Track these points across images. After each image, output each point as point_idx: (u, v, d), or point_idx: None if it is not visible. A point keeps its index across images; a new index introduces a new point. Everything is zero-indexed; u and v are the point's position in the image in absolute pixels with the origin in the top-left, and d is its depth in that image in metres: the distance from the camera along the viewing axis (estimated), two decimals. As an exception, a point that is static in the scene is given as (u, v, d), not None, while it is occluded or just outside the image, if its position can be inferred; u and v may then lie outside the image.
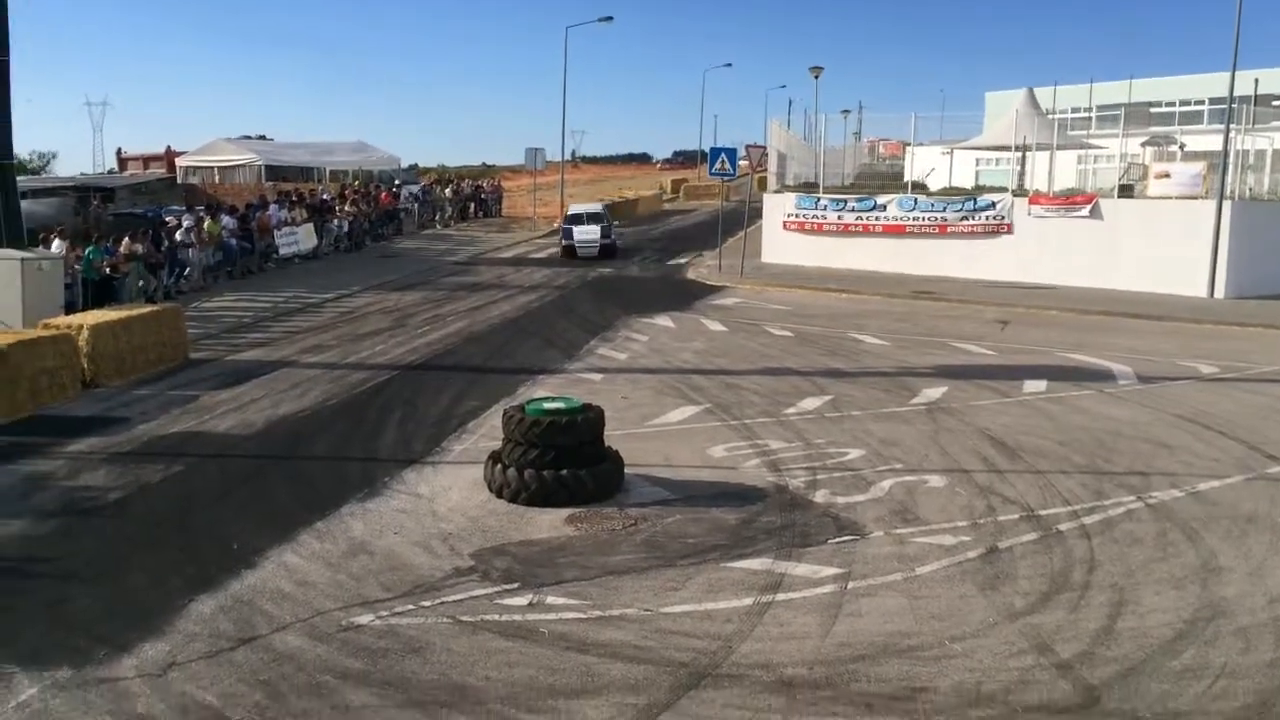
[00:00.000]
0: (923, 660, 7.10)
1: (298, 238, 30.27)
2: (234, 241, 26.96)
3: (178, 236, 24.57)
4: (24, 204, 19.20)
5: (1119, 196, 27.59)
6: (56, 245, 20.02)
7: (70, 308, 18.03)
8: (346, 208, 34.99)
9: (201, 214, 27.14)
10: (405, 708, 6.43)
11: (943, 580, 8.45)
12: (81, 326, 15.27)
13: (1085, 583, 8.37)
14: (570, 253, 33.06)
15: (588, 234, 33.07)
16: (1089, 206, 27.15)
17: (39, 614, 7.81)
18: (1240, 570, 8.66)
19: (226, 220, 27.26)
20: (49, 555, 8.99)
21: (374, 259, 32.26)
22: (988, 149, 35.91)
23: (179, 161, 46.93)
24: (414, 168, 56.43)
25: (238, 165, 45.53)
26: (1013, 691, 6.69)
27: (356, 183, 43.68)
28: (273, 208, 30.68)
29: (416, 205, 41.70)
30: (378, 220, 37.09)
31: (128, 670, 6.89)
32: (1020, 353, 18.56)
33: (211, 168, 45.84)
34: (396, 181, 46.23)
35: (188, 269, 24.71)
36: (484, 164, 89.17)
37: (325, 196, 36.66)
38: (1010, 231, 28.19)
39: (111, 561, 8.83)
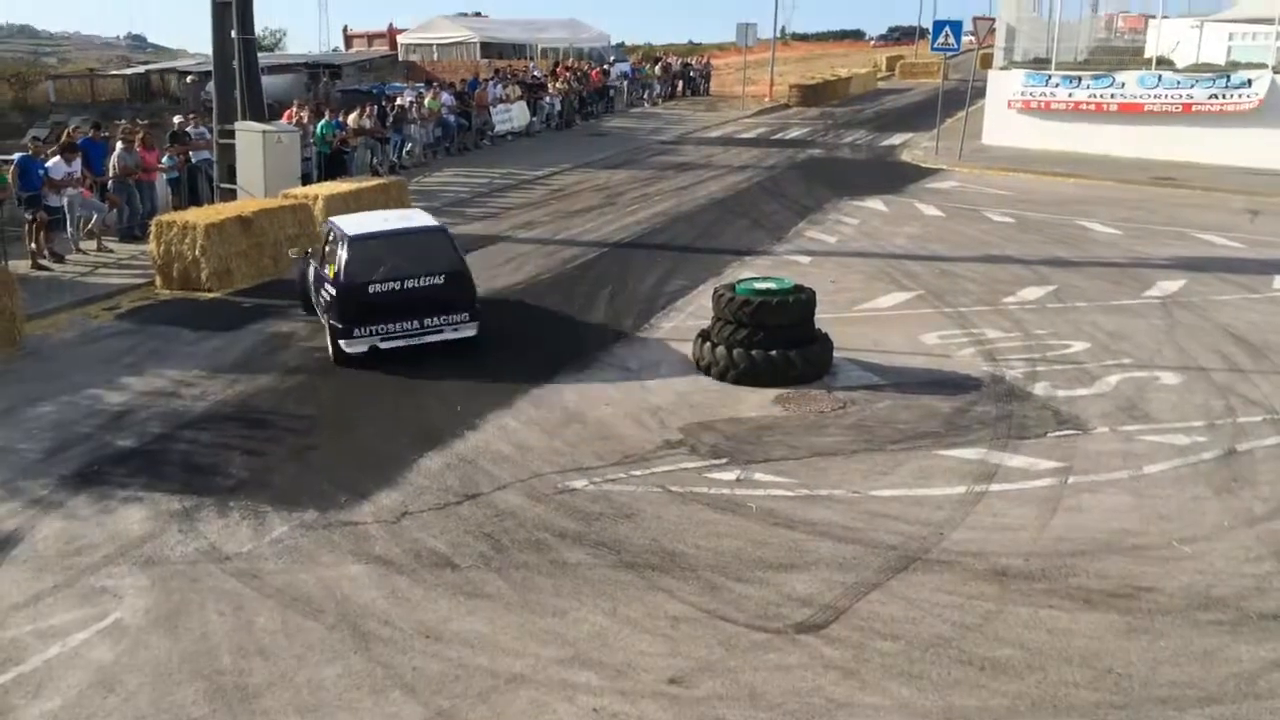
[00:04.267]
0: (1148, 560, 6.80)
1: (512, 115, 30.81)
2: (452, 118, 27.72)
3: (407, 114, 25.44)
4: (262, 79, 20.16)
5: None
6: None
7: (305, 179, 19.12)
8: (558, 85, 35.26)
9: (422, 90, 27.94)
10: (619, 568, 6.70)
11: (1173, 480, 8.02)
12: (317, 197, 16.19)
13: (1336, 493, 7.76)
14: None
15: None
16: (1365, 85, 24.27)
17: (286, 461, 8.52)
18: None
19: (445, 97, 28.02)
20: (293, 409, 9.75)
21: (584, 137, 32.50)
22: (1244, 21, 32.42)
23: (400, 39, 48.22)
24: (620, 46, 55.98)
25: (455, 43, 46.46)
26: (1246, 598, 6.34)
27: (570, 60, 43.87)
28: (490, 84, 31.27)
29: (626, 83, 41.58)
30: (588, 98, 37.27)
31: (366, 516, 7.46)
32: (1272, 246, 17.01)
33: (430, 45, 46.95)
34: (610, 59, 46.10)
35: (410, 144, 25.64)
36: (690, 42, 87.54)
37: (537, 74, 37.03)
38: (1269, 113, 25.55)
39: (346, 417, 9.49)
